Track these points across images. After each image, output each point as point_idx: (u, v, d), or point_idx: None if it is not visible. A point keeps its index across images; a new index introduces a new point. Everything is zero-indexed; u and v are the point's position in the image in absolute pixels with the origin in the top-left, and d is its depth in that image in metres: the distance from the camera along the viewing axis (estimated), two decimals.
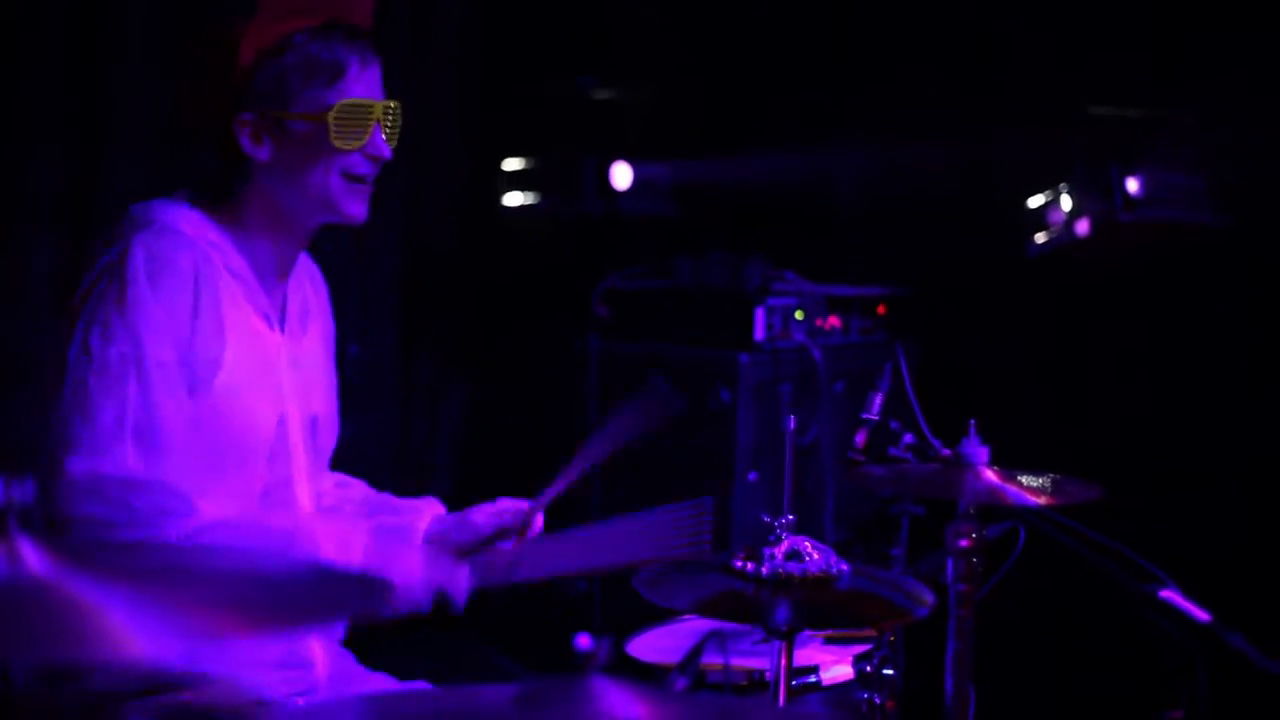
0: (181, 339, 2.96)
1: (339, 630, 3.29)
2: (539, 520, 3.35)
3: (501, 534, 3.34)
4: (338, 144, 3.04)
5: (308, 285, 3.33)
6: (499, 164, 5.74)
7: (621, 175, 5.64)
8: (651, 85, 6.09)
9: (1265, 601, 4.13)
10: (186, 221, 3.05)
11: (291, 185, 3.07)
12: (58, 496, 2.84)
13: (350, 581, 1.89)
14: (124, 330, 2.91)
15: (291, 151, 3.06)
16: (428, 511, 3.41)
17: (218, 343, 3.01)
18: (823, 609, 2.91)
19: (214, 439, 3.01)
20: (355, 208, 3.12)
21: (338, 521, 3.22)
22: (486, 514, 3.36)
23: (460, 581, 3.07)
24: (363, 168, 3.10)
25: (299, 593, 1.79)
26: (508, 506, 3.37)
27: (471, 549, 3.35)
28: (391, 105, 3.13)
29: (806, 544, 2.90)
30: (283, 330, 3.18)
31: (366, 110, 3.07)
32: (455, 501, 3.46)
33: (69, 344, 2.93)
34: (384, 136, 3.11)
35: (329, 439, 3.40)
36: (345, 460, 3.52)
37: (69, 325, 2.96)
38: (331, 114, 3.03)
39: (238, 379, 3.03)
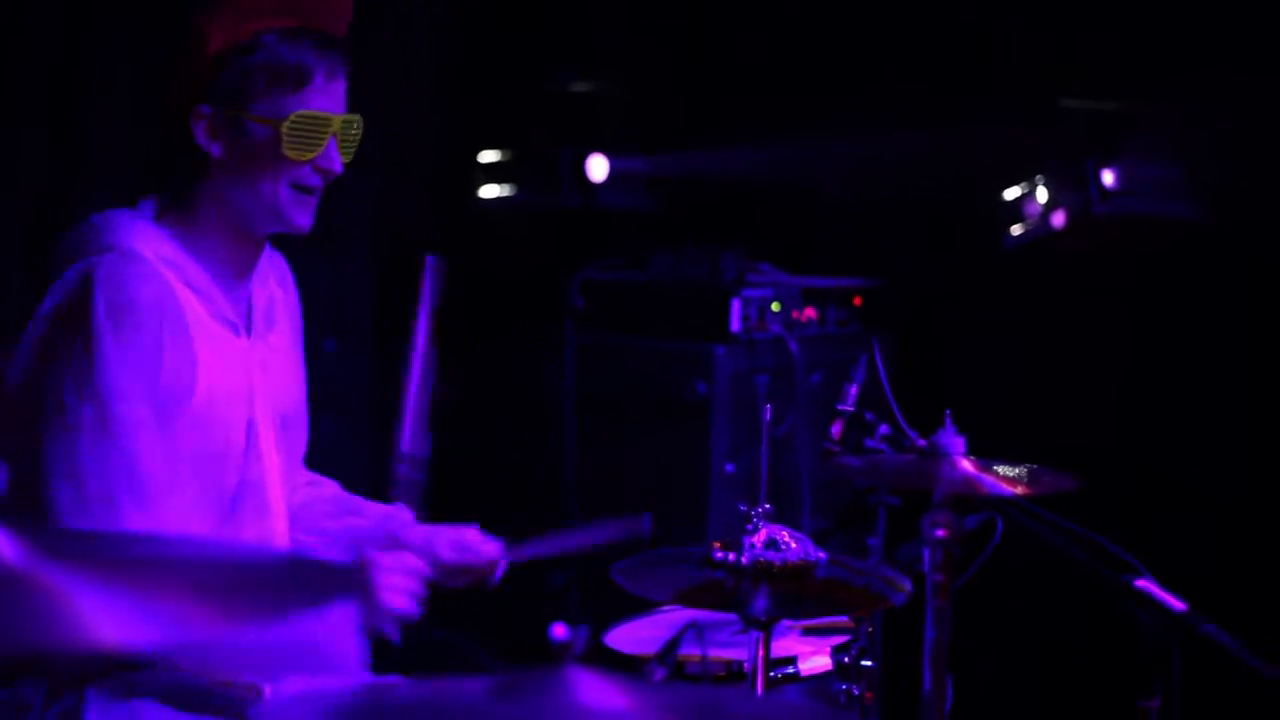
0: (151, 380, 2.93)
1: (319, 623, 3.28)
2: (500, 571, 3.34)
3: (461, 571, 3.33)
4: (290, 154, 3.02)
5: (273, 283, 3.29)
6: (475, 156, 5.72)
7: (598, 168, 5.63)
8: (628, 78, 6.08)
9: (1240, 590, 4.14)
10: (144, 239, 3.01)
11: (242, 187, 3.05)
12: (27, 545, 2.82)
13: (323, 571, 1.89)
14: (94, 387, 2.88)
15: (244, 153, 3.03)
16: (396, 519, 3.39)
17: (189, 371, 2.98)
18: (802, 598, 2.92)
19: (186, 449, 3.00)
20: (302, 219, 3.09)
21: (308, 546, 3.23)
22: (451, 547, 3.33)
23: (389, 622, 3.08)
24: (312, 180, 3.07)
25: (273, 581, 1.78)
26: (474, 542, 3.34)
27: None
28: (352, 119, 3.10)
29: (784, 533, 2.90)
30: (249, 333, 3.15)
31: (324, 123, 3.04)
32: (434, 494, 3.45)
33: (42, 391, 2.91)
34: (339, 150, 3.08)
35: (300, 436, 3.39)
36: (321, 458, 3.51)
37: (41, 364, 2.93)
38: (286, 123, 3.01)
39: (210, 395, 3.01)
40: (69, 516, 2.85)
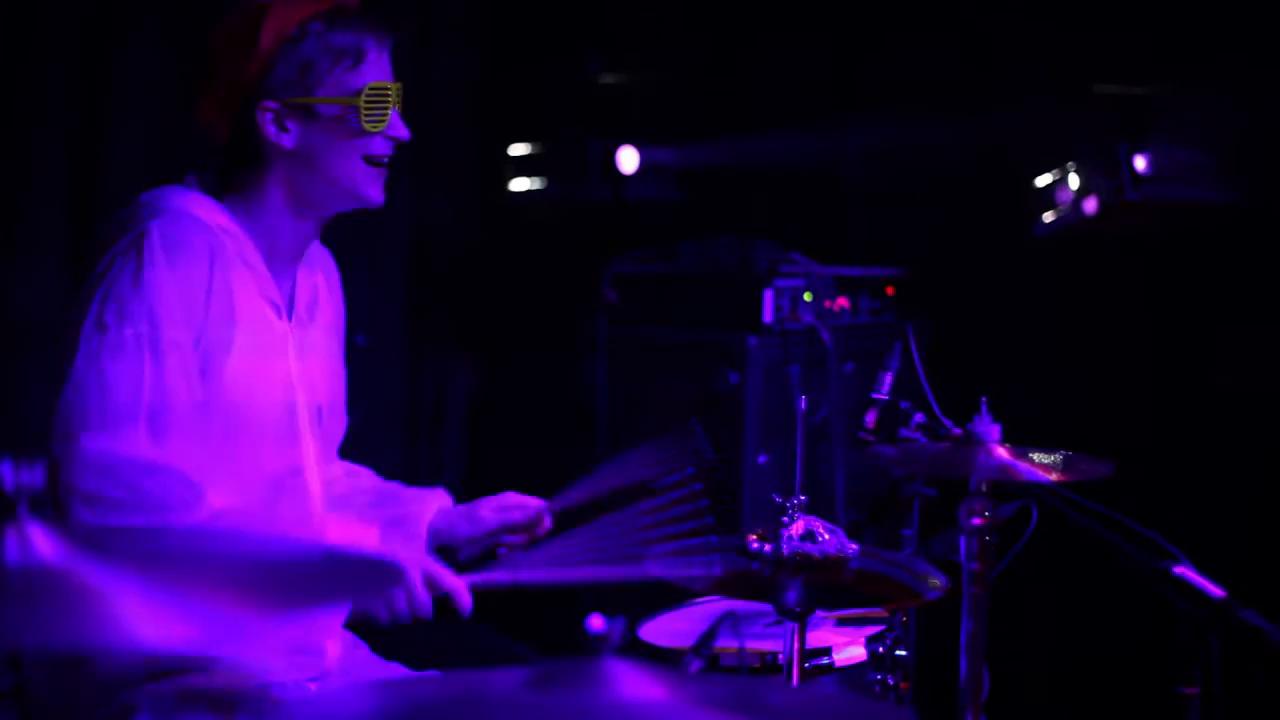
0: (196, 320, 2.96)
1: (347, 617, 3.29)
2: (547, 521, 3.35)
3: (508, 530, 3.35)
4: (367, 126, 3.08)
5: (319, 274, 3.33)
6: (505, 149, 5.73)
7: (628, 159, 5.63)
8: (657, 69, 6.08)
9: (1278, 575, 4.12)
10: (199, 206, 3.06)
11: (315, 171, 3.10)
12: (68, 470, 2.83)
13: (358, 565, 1.89)
14: (140, 309, 2.92)
15: (319, 136, 3.08)
16: (434, 503, 3.41)
17: (229, 327, 3.01)
18: (837, 589, 2.91)
19: (224, 425, 3.02)
20: (376, 191, 3.16)
21: (345, 518, 3.22)
22: (493, 508, 3.37)
23: (459, 586, 3.07)
24: (384, 150, 3.13)
25: (307, 576, 1.78)
26: (514, 502, 3.38)
27: (477, 543, 3.36)
28: (400, 87, 3.16)
29: (818, 525, 2.90)
30: (290, 319, 3.17)
31: (388, 93, 3.11)
32: (466, 487, 3.46)
33: (83, 318, 2.93)
34: (400, 118, 3.14)
35: (336, 428, 3.40)
36: (353, 449, 3.52)
37: (83, 299, 2.95)
38: (361, 97, 3.07)
39: (247, 365, 3.04)
40: (90, 432, 2.85)
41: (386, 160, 3.15)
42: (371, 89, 3.08)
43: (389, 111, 3.11)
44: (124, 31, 4.52)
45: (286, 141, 3.07)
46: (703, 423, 3.28)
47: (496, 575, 3.18)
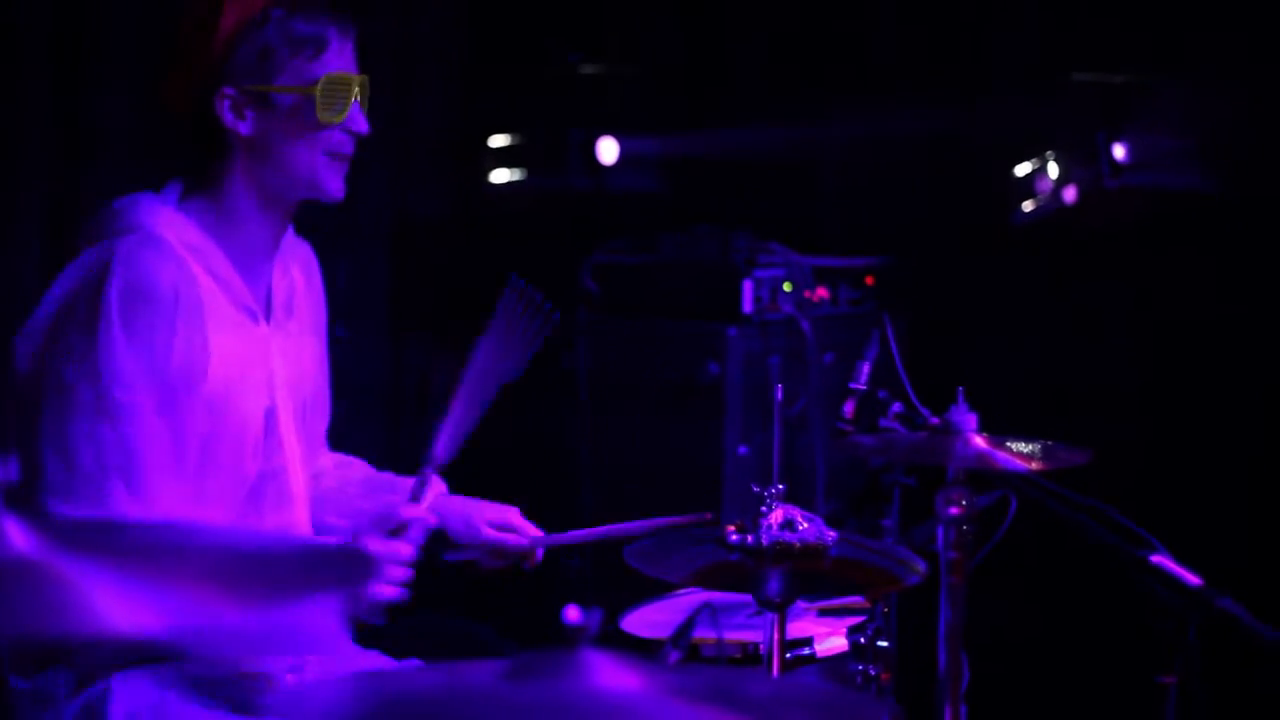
0: (156, 370, 2.92)
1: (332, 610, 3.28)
2: (538, 556, 3.34)
3: (499, 553, 3.33)
4: (323, 118, 3.03)
5: (295, 269, 3.30)
6: (485, 140, 5.72)
7: (608, 150, 5.63)
8: (637, 60, 6.08)
9: (1256, 564, 4.13)
10: (168, 224, 3.02)
11: (274, 161, 3.06)
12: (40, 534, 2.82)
13: (330, 555, 1.89)
14: (92, 368, 2.89)
15: (275, 126, 3.04)
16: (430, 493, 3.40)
17: (201, 357, 2.98)
18: (819, 578, 2.91)
19: (202, 438, 3.00)
20: (335, 185, 3.12)
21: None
22: (491, 524, 3.34)
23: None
24: (344, 144, 3.10)
25: (280, 566, 1.78)
26: (513, 523, 3.35)
27: (463, 544, 3.34)
28: (365, 80, 3.12)
29: (796, 514, 2.90)
30: (268, 321, 3.15)
31: (347, 85, 3.07)
32: (447, 478, 3.44)
33: (43, 365, 2.91)
34: (360, 111, 3.11)
35: (320, 423, 3.39)
36: (335, 440, 3.51)
37: (49, 341, 2.93)
38: (319, 87, 3.03)
39: (224, 382, 3.01)
40: (58, 495, 2.85)
41: (347, 154, 3.11)
42: (329, 80, 3.04)
43: (349, 103, 3.07)
44: (103, 24, 4.51)
45: (243, 129, 3.04)
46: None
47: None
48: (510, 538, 3.34)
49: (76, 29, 4.45)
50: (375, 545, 3.04)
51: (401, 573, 3.04)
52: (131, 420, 2.90)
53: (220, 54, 3.01)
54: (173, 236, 3.01)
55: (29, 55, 4.36)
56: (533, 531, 3.36)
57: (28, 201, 4.37)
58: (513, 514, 3.37)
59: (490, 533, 3.33)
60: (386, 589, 3.03)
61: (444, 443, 3.19)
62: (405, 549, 3.07)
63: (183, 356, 2.96)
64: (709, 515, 3.22)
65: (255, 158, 3.06)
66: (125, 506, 2.88)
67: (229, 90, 3.02)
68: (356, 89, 3.09)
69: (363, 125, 3.10)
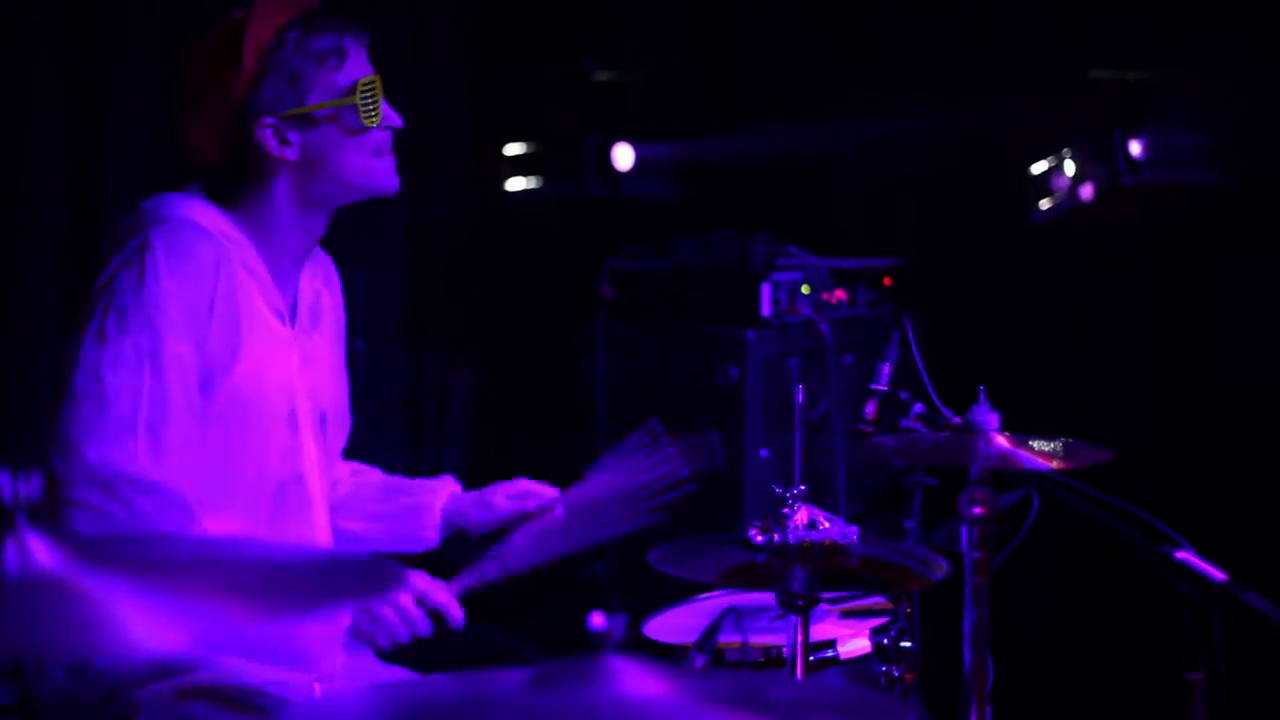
0: (199, 332, 2.95)
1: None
2: (560, 510, 3.34)
3: (521, 518, 3.35)
4: (366, 122, 3.08)
5: (320, 281, 3.31)
6: (501, 149, 5.73)
7: (623, 156, 5.63)
8: (651, 65, 6.08)
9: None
10: (202, 213, 3.05)
11: (325, 173, 3.09)
12: (66, 478, 2.83)
13: (354, 567, 1.89)
14: (141, 320, 2.90)
15: (322, 142, 3.08)
16: (445, 490, 3.41)
17: (233, 338, 3.00)
18: (844, 577, 2.92)
19: (227, 433, 3.01)
20: (391, 180, 3.18)
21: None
22: (506, 496, 3.37)
23: (448, 600, 3.09)
24: (387, 142, 3.15)
25: (303, 579, 1.78)
26: (528, 489, 3.37)
27: (489, 530, 3.36)
28: (381, 77, 3.15)
29: (818, 514, 2.90)
30: (294, 325, 3.17)
31: (376, 85, 3.12)
32: (468, 486, 3.46)
33: (84, 326, 2.92)
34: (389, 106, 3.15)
35: (340, 434, 3.40)
36: (355, 450, 3.52)
37: (86, 310, 2.95)
38: (355, 95, 3.07)
39: (251, 373, 3.03)
40: (91, 440, 2.85)
41: (389, 149, 3.15)
42: (362, 84, 3.08)
43: (380, 103, 3.11)
44: (120, 31, 4.52)
45: (290, 154, 3.07)
46: (714, 425, 3.28)
47: (484, 572, 3.19)
48: (529, 502, 3.35)
49: (94, 33, 4.46)
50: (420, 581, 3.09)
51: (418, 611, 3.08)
52: (175, 374, 2.92)
53: (246, 89, 3.03)
54: (209, 224, 3.03)
55: (47, 60, 4.37)
56: (547, 491, 3.37)
57: (46, 207, 4.38)
58: (522, 483, 3.39)
59: (508, 504, 3.35)
60: (398, 625, 3.06)
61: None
62: (432, 589, 3.11)
63: (218, 329, 2.98)
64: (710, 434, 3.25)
65: (304, 174, 3.09)
66: (144, 460, 2.88)
67: (269, 120, 3.05)
68: (380, 88, 3.12)
69: (397, 119, 3.15)
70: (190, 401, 2.95)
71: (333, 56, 3.07)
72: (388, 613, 3.07)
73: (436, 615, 3.09)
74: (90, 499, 2.82)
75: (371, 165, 3.12)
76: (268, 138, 3.05)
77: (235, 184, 3.10)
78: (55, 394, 2.91)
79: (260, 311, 3.07)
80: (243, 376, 3.01)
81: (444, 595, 3.10)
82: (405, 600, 3.06)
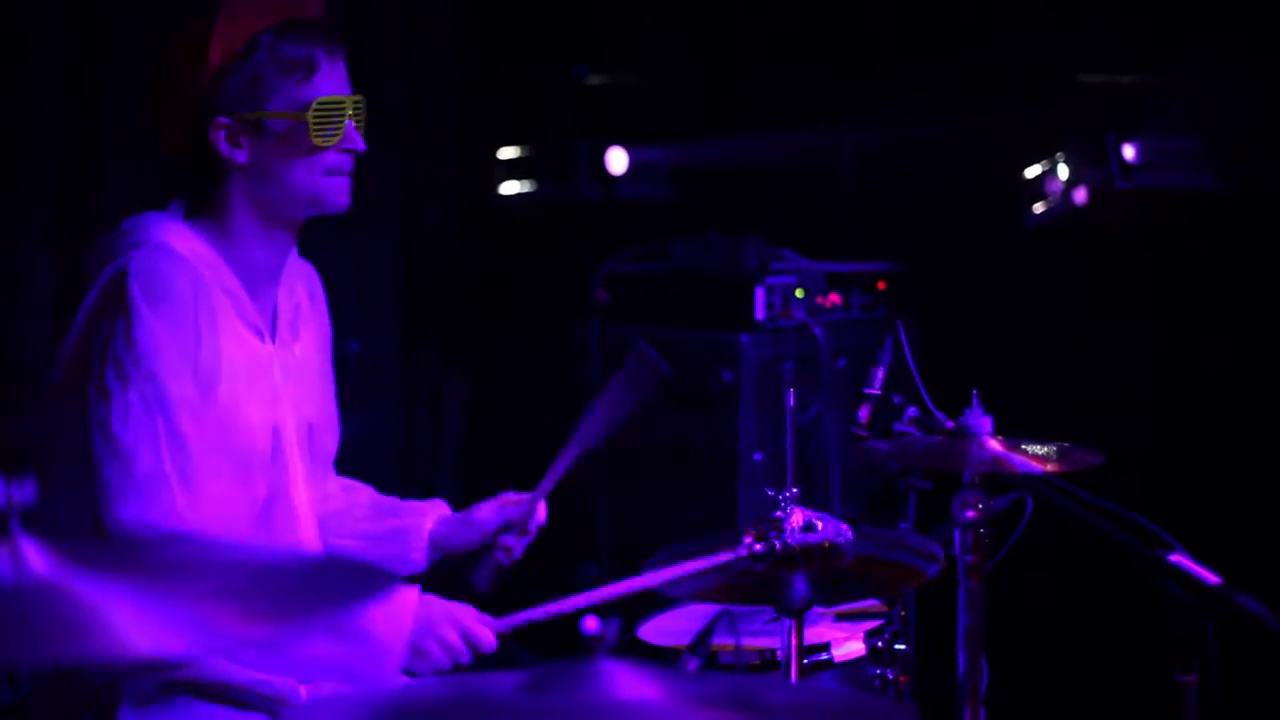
0: (189, 362, 2.95)
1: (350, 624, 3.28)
2: (542, 510, 3.33)
3: (506, 528, 3.33)
4: (317, 141, 3.04)
5: (300, 290, 3.29)
6: (494, 153, 5.73)
7: (617, 160, 5.63)
8: (645, 69, 6.08)
9: (1275, 561, 4.12)
10: (179, 238, 3.03)
11: (273, 184, 3.06)
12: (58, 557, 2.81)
13: (349, 571, 1.89)
14: (137, 369, 2.90)
15: (271, 151, 3.05)
16: (433, 513, 3.40)
17: (215, 359, 2.99)
18: (840, 579, 2.92)
19: (210, 455, 3.00)
20: (340, 198, 3.13)
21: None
22: (490, 509, 3.35)
23: (488, 638, 3.08)
24: (343, 163, 3.10)
25: (300, 585, 1.79)
26: (511, 499, 3.36)
27: (479, 546, 3.34)
28: (359, 99, 3.12)
29: (811, 515, 2.90)
30: (274, 340, 3.16)
31: (340, 106, 3.07)
32: (463, 491, 3.45)
33: (83, 381, 2.92)
34: (356, 129, 3.10)
35: (328, 444, 3.39)
36: (349, 458, 3.51)
37: (78, 353, 2.94)
38: (310, 111, 3.03)
39: (232, 394, 3.02)
40: (120, 499, 2.85)
41: (348, 170, 3.11)
42: (321, 103, 3.04)
43: (342, 124, 3.06)
44: (113, 38, 4.52)
45: (240, 157, 3.04)
46: (651, 346, 3.25)
47: (531, 614, 3.16)
48: (510, 510, 3.33)
49: (89, 31, 4.46)
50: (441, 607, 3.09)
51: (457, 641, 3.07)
52: (179, 411, 2.92)
53: (210, 85, 3.02)
54: (184, 248, 3.02)
55: (41, 58, 4.37)
56: (525, 498, 3.34)
57: (35, 204, 4.38)
58: (505, 495, 3.37)
59: (490, 517, 3.33)
60: (438, 654, 3.05)
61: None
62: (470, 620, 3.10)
63: (203, 358, 2.97)
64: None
65: (254, 181, 3.06)
66: (183, 502, 2.90)
67: (223, 120, 3.03)
68: (350, 109, 3.09)
69: (359, 143, 3.11)
70: (199, 429, 2.95)
71: (301, 69, 3.04)
72: (434, 648, 3.05)
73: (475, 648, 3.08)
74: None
75: (319, 183, 3.07)
76: (220, 137, 3.03)
77: (200, 189, 3.09)
78: (70, 457, 2.91)
79: (238, 331, 3.05)
80: (224, 397, 3.00)
81: (488, 634, 3.08)
82: (453, 637, 3.05)
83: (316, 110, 3.04)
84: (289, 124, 3.03)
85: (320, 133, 3.04)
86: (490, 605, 3.15)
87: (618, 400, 3.22)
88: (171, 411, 2.91)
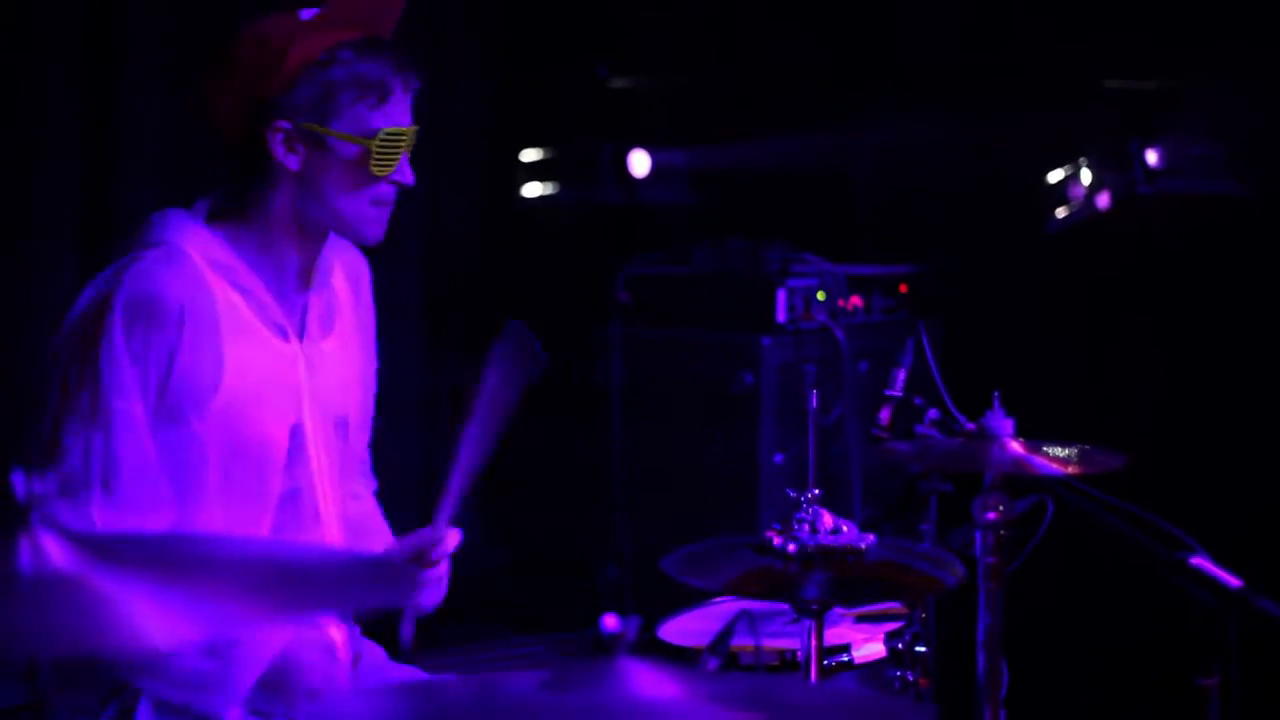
0: (155, 382, 2.94)
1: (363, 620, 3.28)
2: (453, 537, 3.14)
3: (415, 559, 3.19)
4: (376, 172, 3.00)
5: (339, 280, 3.25)
6: (517, 155, 5.74)
7: (640, 163, 5.64)
8: (668, 72, 6.09)
9: None
10: (196, 240, 3.01)
11: (318, 200, 3.03)
12: (76, 550, 2.83)
13: (367, 568, 1.89)
14: (92, 377, 2.91)
15: (326, 168, 3.01)
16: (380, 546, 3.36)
17: (212, 370, 2.97)
18: (861, 581, 2.92)
19: (222, 454, 3.00)
20: (376, 232, 3.09)
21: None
22: (397, 543, 3.25)
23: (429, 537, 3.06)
24: (390, 195, 3.06)
25: (318, 577, 1.79)
26: (414, 537, 3.18)
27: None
28: (415, 130, 3.07)
29: (833, 518, 2.90)
30: (300, 338, 3.13)
31: (403, 138, 3.03)
32: (480, 489, 3.43)
33: (57, 367, 2.95)
34: (409, 162, 3.07)
35: (360, 439, 3.36)
36: (372, 456, 3.51)
37: (65, 347, 2.96)
38: (375, 140, 2.99)
39: (242, 394, 3.00)
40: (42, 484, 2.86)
41: (390, 202, 3.07)
42: (387, 134, 2.99)
43: (399, 156, 3.03)
44: (133, 31, 4.53)
45: (292, 164, 3.00)
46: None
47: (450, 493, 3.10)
48: (417, 539, 3.14)
49: (109, 35, 4.47)
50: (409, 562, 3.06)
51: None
52: (123, 431, 2.92)
53: (282, 87, 2.97)
54: (197, 252, 3.00)
55: (61, 62, 4.38)
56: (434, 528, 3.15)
57: (58, 208, 4.39)
58: (419, 533, 3.18)
59: (397, 549, 3.19)
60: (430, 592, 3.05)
61: (450, 500, 3.09)
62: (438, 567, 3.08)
63: (188, 369, 2.95)
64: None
65: (299, 191, 3.03)
66: (100, 512, 2.89)
67: (284, 124, 2.98)
68: (408, 142, 3.05)
69: (409, 178, 3.06)
70: (142, 450, 2.94)
71: (374, 91, 2.99)
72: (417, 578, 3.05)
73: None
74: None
75: (363, 212, 3.04)
76: (277, 140, 2.98)
77: (237, 187, 3.06)
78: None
79: (255, 332, 3.03)
80: (231, 397, 2.98)
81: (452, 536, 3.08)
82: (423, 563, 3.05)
83: (382, 140, 2.99)
84: (352, 147, 2.99)
85: (381, 163, 3.00)
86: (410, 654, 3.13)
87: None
88: (113, 425, 2.91)
